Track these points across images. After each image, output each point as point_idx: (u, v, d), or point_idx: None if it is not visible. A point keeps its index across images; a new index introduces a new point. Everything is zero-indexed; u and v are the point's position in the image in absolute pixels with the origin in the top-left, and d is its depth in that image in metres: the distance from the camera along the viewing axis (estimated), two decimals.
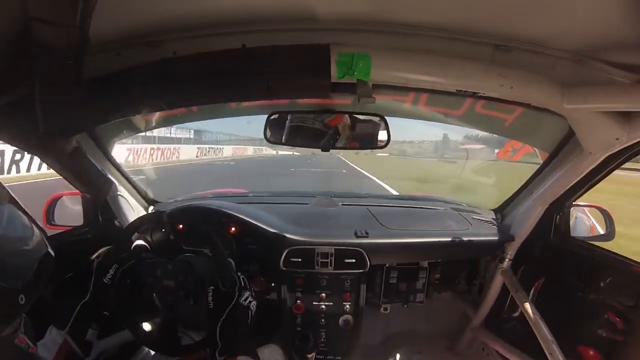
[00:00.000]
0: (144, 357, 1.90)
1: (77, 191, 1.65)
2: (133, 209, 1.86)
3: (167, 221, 1.50)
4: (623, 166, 1.46)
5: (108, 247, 1.51)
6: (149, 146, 14.81)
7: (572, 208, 1.77)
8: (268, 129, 1.55)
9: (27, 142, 1.13)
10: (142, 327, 1.35)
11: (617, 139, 1.17)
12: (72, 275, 1.53)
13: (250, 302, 1.29)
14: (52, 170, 1.38)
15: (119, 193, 1.76)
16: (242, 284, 1.32)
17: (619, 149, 1.23)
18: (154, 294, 1.33)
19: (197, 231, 1.43)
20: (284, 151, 19.93)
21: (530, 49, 1.12)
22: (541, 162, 1.70)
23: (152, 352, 1.91)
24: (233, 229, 1.77)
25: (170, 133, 17.87)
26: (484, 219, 2.05)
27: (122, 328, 1.43)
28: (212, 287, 1.28)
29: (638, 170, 11.96)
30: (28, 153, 1.26)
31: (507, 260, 1.87)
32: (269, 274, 1.79)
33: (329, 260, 1.74)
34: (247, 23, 1.11)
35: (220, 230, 1.68)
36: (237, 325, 1.25)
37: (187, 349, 1.30)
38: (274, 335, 1.85)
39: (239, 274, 1.35)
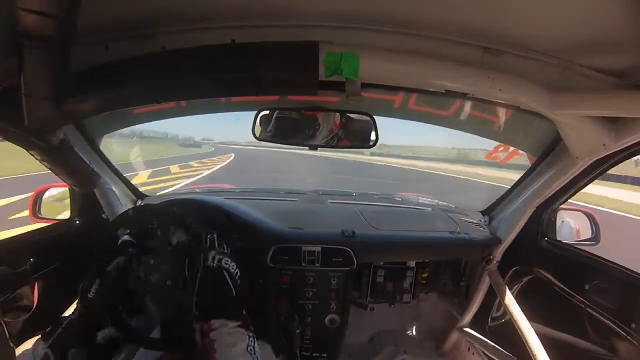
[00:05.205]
0: (131, 351, 1.88)
1: (65, 184, 1.63)
2: (121, 203, 1.84)
3: (154, 214, 1.49)
4: None
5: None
6: None
7: (558, 211, 1.80)
8: (256, 126, 1.55)
9: (12, 134, 1.12)
10: (147, 335, 1.32)
11: (604, 144, 1.19)
12: (57, 266, 1.52)
13: (220, 260, 1.21)
14: None
15: (107, 186, 1.75)
16: (207, 245, 1.24)
17: (605, 154, 1.25)
18: (146, 296, 1.31)
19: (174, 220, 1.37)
20: None
21: (519, 53, 1.13)
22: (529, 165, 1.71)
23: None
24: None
25: None
26: (471, 220, 2.06)
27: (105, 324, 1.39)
28: (187, 258, 1.23)
29: None
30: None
31: (493, 262, 1.89)
32: (255, 270, 1.77)
33: (315, 258, 1.74)
34: (237, 18, 1.10)
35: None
36: (212, 291, 1.19)
37: (185, 340, 1.25)
38: (261, 332, 1.84)
39: (208, 235, 1.27)
